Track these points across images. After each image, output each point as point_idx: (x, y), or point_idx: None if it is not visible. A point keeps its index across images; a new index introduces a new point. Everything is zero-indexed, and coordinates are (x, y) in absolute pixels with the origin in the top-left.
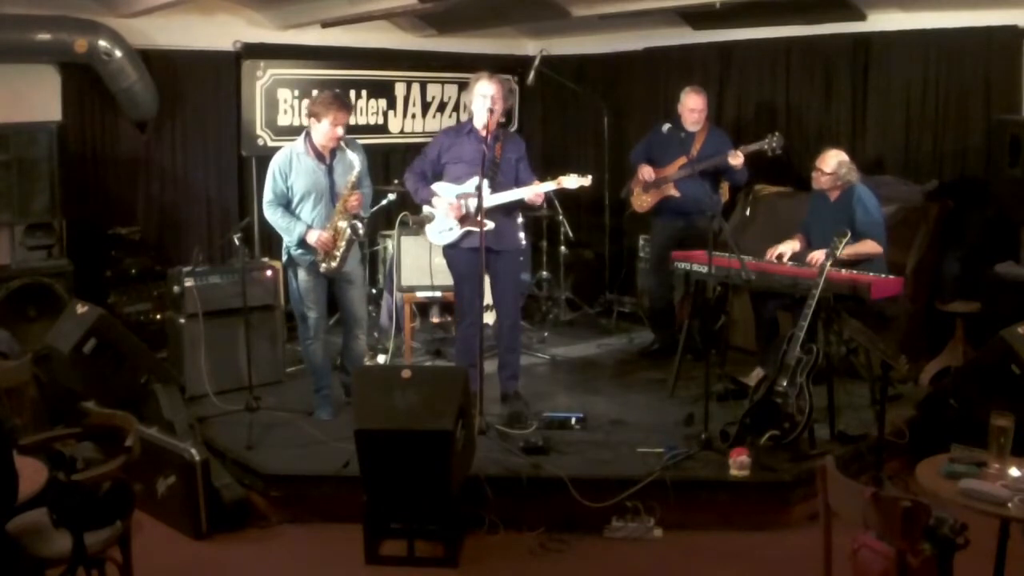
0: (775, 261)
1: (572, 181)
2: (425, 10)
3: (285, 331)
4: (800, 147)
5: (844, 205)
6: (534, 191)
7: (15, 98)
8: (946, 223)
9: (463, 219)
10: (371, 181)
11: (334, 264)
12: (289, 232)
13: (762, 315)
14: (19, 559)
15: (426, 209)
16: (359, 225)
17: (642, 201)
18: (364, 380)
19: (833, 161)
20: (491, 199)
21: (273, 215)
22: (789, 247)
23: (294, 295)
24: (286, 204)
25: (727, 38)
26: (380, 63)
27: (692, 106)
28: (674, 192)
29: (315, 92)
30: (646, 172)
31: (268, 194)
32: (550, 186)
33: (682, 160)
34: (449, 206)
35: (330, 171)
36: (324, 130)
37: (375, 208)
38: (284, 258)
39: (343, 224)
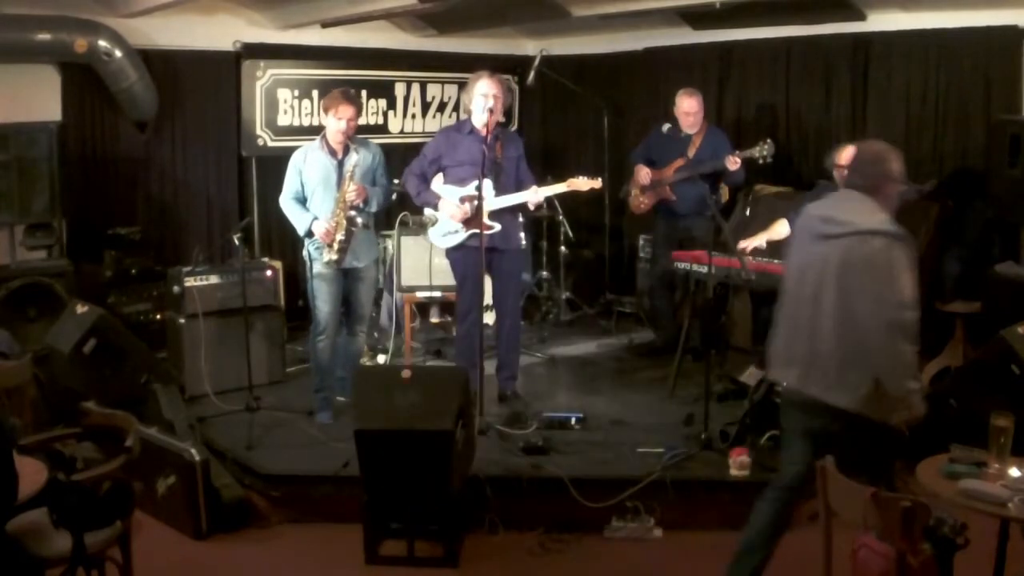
0: (749, 255)
1: (582, 183)
2: (425, 10)
3: (285, 331)
4: (800, 147)
5: None
6: (545, 193)
7: (15, 98)
8: (946, 223)
9: (468, 221)
10: (387, 180)
11: (334, 256)
12: (298, 223)
13: (760, 315)
14: (19, 559)
15: (428, 212)
16: (356, 216)
17: (639, 202)
18: (364, 380)
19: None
20: (498, 201)
21: (287, 207)
22: (764, 237)
23: (309, 290)
24: (301, 199)
25: (727, 38)
26: (380, 63)
27: (687, 109)
28: (670, 196)
29: (315, 92)
30: (643, 174)
31: (284, 188)
32: (560, 188)
33: (679, 162)
34: (457, 208)
35: (340, 166)
36: (330, 123)
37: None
38: (303, 252)
39: (342, 215)
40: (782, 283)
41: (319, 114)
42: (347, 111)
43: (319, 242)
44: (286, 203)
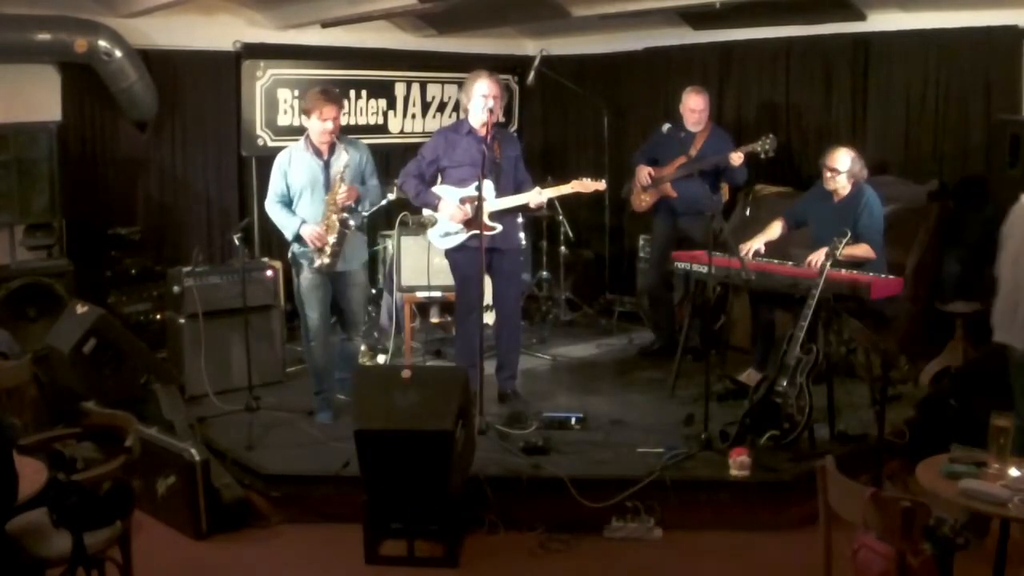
0: (750, 257)
1: (588, 185)
2: (425, 10)
3: (285, 331)
4: (800, 147)
5: (850, 206)
6: (549, 194)
7: (15, 98)
8: (946, 223)
9: (469, 222)
10: (379, 180)
11: (326, 260)
12: (286, 227)
13: (759, 315)
14: (19, 559)
15: (427, 213)
16: (348, 218)
17: (641, 200)
18: (364, 380)
19: (846, 159)
20: (499, 202)
21: (273, 211)
22: (762, 239)
23: (297, 294)
24: (287, 202)
25: (727, 38)
26: (380, 63)
27: (693, 106)
28: (671, 192)
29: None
30: (643, 175)
31: (270, 191)
32: (566, 189)
33: (681, 160)
34: (457, 209)
35: (327, 167)
36: (314, 125)
37: (376, 207)
38: (289, 256)
39: (334, 218)
40: (1000, 270)
41: None
42: (331, 111)
43: (307, 246)
44: (271, 207)
